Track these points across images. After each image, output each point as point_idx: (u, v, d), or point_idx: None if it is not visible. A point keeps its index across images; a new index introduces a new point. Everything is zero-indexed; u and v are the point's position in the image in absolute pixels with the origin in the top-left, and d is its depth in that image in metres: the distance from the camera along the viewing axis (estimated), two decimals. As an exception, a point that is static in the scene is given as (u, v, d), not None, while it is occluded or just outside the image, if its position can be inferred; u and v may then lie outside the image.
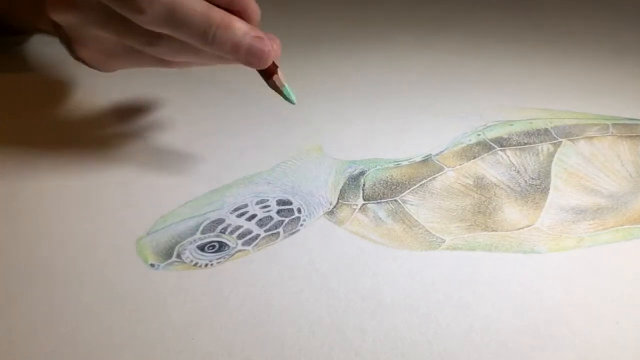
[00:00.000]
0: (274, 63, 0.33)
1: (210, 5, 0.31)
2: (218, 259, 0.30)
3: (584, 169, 0.36)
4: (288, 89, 0.33)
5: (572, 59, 0.49)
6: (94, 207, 0.33)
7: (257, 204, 0.33)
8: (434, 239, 0.31)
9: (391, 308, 0.28)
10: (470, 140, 0.38)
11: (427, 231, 0.32)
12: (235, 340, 0.26)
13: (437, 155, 0.37)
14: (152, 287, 0.29)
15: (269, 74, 0.33)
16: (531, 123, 0.40)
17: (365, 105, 0.43)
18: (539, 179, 0.35)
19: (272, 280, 0.29)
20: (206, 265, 0.30)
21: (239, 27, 0.31)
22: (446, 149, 0.38)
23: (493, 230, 0.32)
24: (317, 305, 0.28)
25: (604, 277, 0.29)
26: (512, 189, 0.34)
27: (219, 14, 0.31)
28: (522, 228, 0.32)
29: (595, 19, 0.56)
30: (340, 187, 0.35)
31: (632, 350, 0.26)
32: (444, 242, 0.31)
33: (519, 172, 0.36)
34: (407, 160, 0.37)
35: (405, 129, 0.40)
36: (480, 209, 0.33)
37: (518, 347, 0.26)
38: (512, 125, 0.40)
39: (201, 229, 0.32)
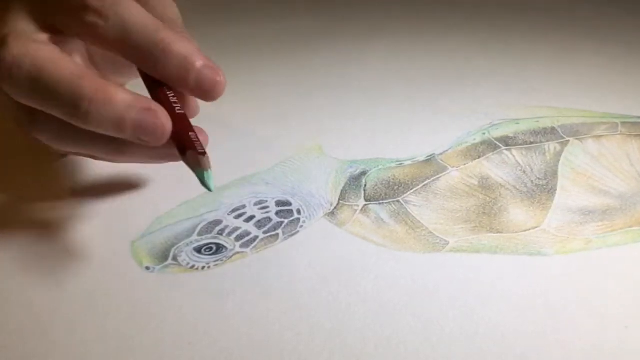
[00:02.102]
0: (189, 137, 0.27)
1: (88, 75, 0.26)
2: (215, 261, 0.30)
3: (592, 169, 0.35)
4: (205, 172, 0.27)
5: (579, 56, 0.48)
6: (88, 208, 0.33)
7: (255, 204, 0.33)
8: (437, 241, 0.31)
9: (393, 312, 0.27)
10: (475, 139, 0.38)
11: (430, 232, 0.31)
12: (232, 345, 0.26)
13: (441, 154, 0.37)
14: (147, 290, 0.28)
15: (182, 148, 0.27)
16: (537, 121, 0.39)
17: (366, 103, 0.42)
18: (546, 179, 0.35)
19: (270, 283, 0.29)
20: (203, 268, 0.29)
21: (120, 98, 0.26)
22: (450, 148, 0.37)
23: (498, 232, 0.31)
24: (317, 309, 0.27)
25: (612, 280, 0.29)
26: (517, 189, 0.34)
27: (92, 84, 0.26)
28: (528, 229, 0.31)
29: (602, 15, 0.55)
30: (340, 188, 0.34)
31: (641, 354, 0.25)
32: (448, 243, 0.31)
33: (524, 171, 0.35)
34: (409, 159, 0.36)
35: (408, 127, 0.39)
36: (485, 210, 0.33)
37: (524, 351, 0.25)
38: (517, 123, 0.39)
39: (198, 230, 0.31)
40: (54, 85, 0.26)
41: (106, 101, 0.26)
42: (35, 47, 0.27)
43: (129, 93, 0.27)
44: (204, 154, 0.27)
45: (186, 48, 0.28)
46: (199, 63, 0.28)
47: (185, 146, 0.27)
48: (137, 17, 0.28)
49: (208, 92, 0.28)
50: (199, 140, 0.28)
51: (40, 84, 0.26)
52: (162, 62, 0.28)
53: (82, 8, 0.28)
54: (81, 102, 0.26)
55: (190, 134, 0.28)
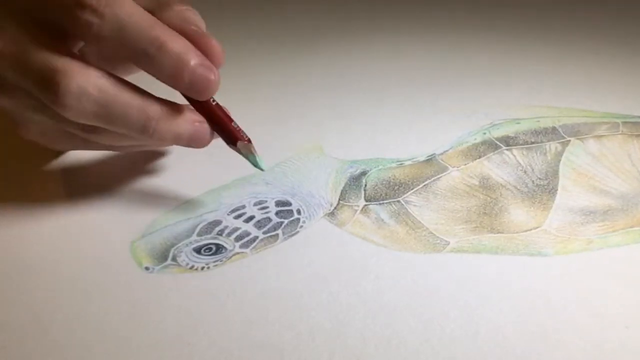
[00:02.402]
0: (237, 131, 0.31)
1: (147, 96, 0.29)
2: (215, 262, 0.29)
3: (593, 169, 0.35)
4: (256, 157, 0.31)
5: (580, 55, 0.48)
6: (87, 208, 0.33)
7: (255, 204, 0.33)
8: (438, 241, 0.31)
9: (393, 312, 0.27)
10: (476, 139, 0.38)
11: (431, 233, 0.31)
12: (232, 346, 0.26)
13: (441, 154, 0.36)
14: (146, 291, 0.28)
15: (231, 141, 0.31)
16: (538, 121, 0.39)
17: (366, 103, 0.42)
18: (546, 179, 0.34)
19: (270, 284, 0.28)
20: (202, 268, 0.29)
21: (180, 115, 0.30)
22: (450, 148, 0.37)
23: (499, 232, 0.31)
24: (317, 310, 0.27)
25: (613, 280, 0.29)
26: (518, 190, 0.34)
27: (156, 106, 0.29)
28: (529, 230, 0.31)
29: (602, 15, 0.55)
30: (340, 188, 0.34)
31: (642, 355, 0.25)
32: (448, 244, 0.31)
33: (525, 171, 0.35)
34: (410, 159, 0.36)
35: (408, 127, 0.39)
36: (486, 210, 0.32)
37: (525, 352, 0.25)
38: (518, 123, 0.39)
39: (197, 230, 0.31)
40: (124, 111, 0.28)
41: (171, 120, 0.29)
42: (95, 73, 0.28)
43: (184, 108, 0.30)
44: (249, 141, 0.31)
45: (180, 46, 0.28)
46: (193, 61, 0.29)
47: (235, 138, 0.31)
48: (133, 14, 0.28)
49: (200, 91, 0.30)
50: (240, 129, 0.31)
51: (109, 110, 0.28)
52: (157, 60, 0.28)
53: (76, 5, 0.27)
54: (149, 123, 0.29)
55: (232, 124, 0.31)
